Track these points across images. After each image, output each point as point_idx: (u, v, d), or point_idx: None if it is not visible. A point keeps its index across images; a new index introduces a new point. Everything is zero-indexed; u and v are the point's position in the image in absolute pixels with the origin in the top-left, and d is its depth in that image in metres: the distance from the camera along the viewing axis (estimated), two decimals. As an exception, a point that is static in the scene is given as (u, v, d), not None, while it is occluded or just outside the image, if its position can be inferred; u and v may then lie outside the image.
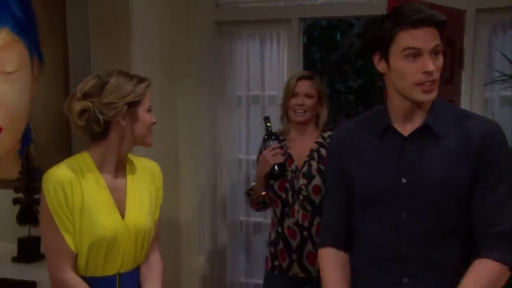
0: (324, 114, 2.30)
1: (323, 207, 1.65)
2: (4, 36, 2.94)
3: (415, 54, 1.32)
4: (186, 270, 3.08)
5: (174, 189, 2.97)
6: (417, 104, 1.37)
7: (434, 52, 1.33)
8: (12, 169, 2.85)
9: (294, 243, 2.26)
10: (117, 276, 1.65)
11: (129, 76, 1.62)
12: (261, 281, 2.48)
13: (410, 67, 1.32)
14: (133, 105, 1.61)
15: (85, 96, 1.56)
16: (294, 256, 2.27)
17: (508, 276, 1.36)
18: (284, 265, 2.30)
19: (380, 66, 1.40)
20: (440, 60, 1.35)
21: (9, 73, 2.87)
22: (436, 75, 1.33)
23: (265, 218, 2.87)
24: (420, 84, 1.32)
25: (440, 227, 1.37)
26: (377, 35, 1.39)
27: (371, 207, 1.46)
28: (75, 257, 1.59)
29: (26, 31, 2.94)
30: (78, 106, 1.55)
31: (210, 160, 2.99)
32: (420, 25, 1.31)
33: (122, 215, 1.65)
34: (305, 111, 2.26)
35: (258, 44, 2.92)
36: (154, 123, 1.70)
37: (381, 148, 1.44)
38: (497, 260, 1.33)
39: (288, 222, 2.27)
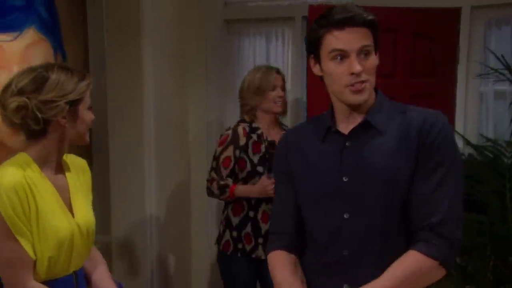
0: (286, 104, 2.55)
1: (271, 212, 1.62)
2: (31, 35, 3.12)
3: (342, 55, 1.29)
4: (196, 258, 3.23)
5: (184, 181, 3.11)
6: (352, 106, 1.34)
7: (363, 53, 1.29)
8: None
9: (265, 227, 2.38)
10: (73, 275, 1.60)
11: (70, 71, 1.52)
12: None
13: (337, 69, 1.30)
14: (74, 104, 1.50)
15: (22, 91, 1.43)
16: (260, 240, 2.40)
17: (441, 272, 1.30)
18: (248, 248, 2.42)
19: (315, 69, 1.38)
20: (372, 60, 1.31)
21: (35, 70, 3.09)
22: (366, 76, 1.30)
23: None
24: (349, 85, 1.29)
25: (383, 228, 1.31)
26: (308, 38, 1.37)
27: (314, 208, 1.41)
28: (34, 264, 1.48)
29: (51, 30, 3.10)
30: (13, 102, 1.43)
31: None
32: (343, 26, 1.28)
33: (71, 214, 1.57)
34: (282, 102, 2.44)
35: (264, 41, 3.06)
36: (93, 120, 1.62)
37: (323, 149, 1.40)
38: (423, 253, 1.27)
39: (265, 207, 2.39)
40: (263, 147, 2.41)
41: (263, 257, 2.38)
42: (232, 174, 2.42)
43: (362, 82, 1.30)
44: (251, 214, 2.42)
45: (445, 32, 2.63)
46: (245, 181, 2.41)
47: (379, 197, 1.31)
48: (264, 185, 2.33)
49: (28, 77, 1.45)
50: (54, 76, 1.46)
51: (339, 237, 1.35)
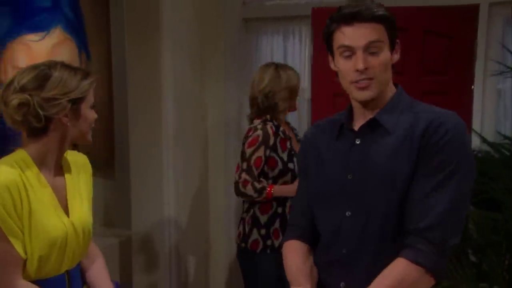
0: None
1: (291, 206, 1.65)
2: (58, 35, 3.21)
3: (349, 52, 1.28)
4: (213, 252, 3.28)
5: (202, 177, 3.16)
6: (362, 103, 1.33)
7: (371, 49, 1.27)
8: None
9: None
10: (66, 274, 1.58)
11: (73, 70, 1.50)
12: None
13: (345, 65, 1.30)
14: (76, 102, 1.49)
15: (24, 88, 1.42)
16: None
17: (430, 281, 1.24)
18: (277, 243, 2.43)
19: (332, 65, 1.38)
20: (381, 56, 1.28)
21: (61, 68, 3.20)
22: (373, 73, 1.28)
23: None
24: (354, 82, 1.29)
25: (381, 228, 1.28)
26: (323, 34, 1.37)
27: (321, 206, 1.41)
28: (24, 263, 1.46)
29: (76, 30, 3.16)
30: (15, 99, 1.41)
31: (236, 149, 3.09)
32: (351, 21, 1.27)
33: (67, 214, 1.56)
34: None
35: (281, 39, 3.10)
36: (95, 120, 1.60)
37: (336, 146, 1.39)
38: (410, 260, 1.22)
39: (290, 201, 2.40)
40: (288, 144, 2.44)
41: None
42: (262, 174, 2.43)
43: (368, 79, 1.28)
44: (279, 210, 2.44)
45: (463, 29, 2.62)
46: (276, 179, 2.43)
47: (378, 197, 1.28)
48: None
49: (30, 74, 1.43)
50: (56, 74, 1.44)
51: (339, 235, 1.35)
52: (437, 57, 2.64)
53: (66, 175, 1.59)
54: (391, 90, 1.35)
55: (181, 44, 2.90)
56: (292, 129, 2.61)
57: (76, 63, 3.17)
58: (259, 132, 2.39)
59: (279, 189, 2.40)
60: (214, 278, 3.28)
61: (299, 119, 3.06)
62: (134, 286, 3.03)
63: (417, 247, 1.23)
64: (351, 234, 1.32)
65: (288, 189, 2.40)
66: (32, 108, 1.41)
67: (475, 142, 2.56)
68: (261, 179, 2.41)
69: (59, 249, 1.51)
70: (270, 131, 2.39)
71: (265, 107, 2.44)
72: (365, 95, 1.30)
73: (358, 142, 1.34)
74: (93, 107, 1.56)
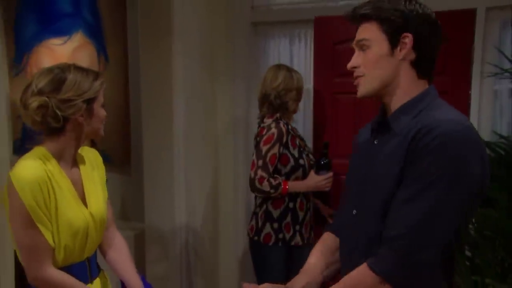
0: None
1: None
2: (79, 38, 3.41)
3: (354, 50, 1.33)
4: (223, 243, 3.35)
5: (212, 173, 3.25)
6: (381, 102, 1.34)
7: (360, 47, 1.30)
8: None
9: (301, 215, 2.57)
10: (87, 261, 1.69)
11: (85, 71, 1.59)
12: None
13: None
14: (90, 102, 1.58)
15: (41, 91, 1.51)
16: (297, 227, 2.56)
17: None
18: (288, 236, 2.55)
19: None
20: (370, 53, 1.29)
21: (82, 70, 3.36)
22: (363, 70, 1.30)
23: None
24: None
25: (375, 229, 1.25)
26: None
27: (345, 201, 1.44)
28: (53, 252, 1.57)
29: (95, 34, 3.37)
30: (35, 101, 1.50)
31: (245, 146, 3.25)
32: (352, 22, 1.32)
33: (85, 205, 1.65)
34: None
35: (288, 42, 3.16)
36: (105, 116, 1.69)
37: (362, 145, 1.41)
38: (369, 266, 1.22)
39: (301, 197, 2.59)
40: (297, 141, 2.58)
41: (300, 243, 2.56)
42: (275, 171, 2.54)
43: (358, 76, 1.31)
44: (291, 205, 2.56)
45: (461, 33, 2.69)
46: (288, 175, 2.55)
47: (375, 198, 1.26)
48: (316, 181, 2.53)
49: (47, 78, 1.52)
50: (71, 76, 1.53)
51: (346, 232, 1.38)
52: (438, 59, 2.73)
53: (81, 169, 1.69)
54: (411, 90, 1.29)
55: (192, 47, 2.99)
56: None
57: (95, 65, 3.33)
58: (274, 130, 2.50)
59: (293, 185, 2.53)
60: (224, 269, 3.36)
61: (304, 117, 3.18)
62: (147, 277, 3.09)
63: (380, 254, 1.21)
64: (354, 233, 1.33)
65: (301, 185, 2.55)
66: (50, 109, 1.51)
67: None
68: (276, 175, 2.53)
69: (81, 238, 1.61)
70: (284, 129, 2.51)
71: (278, 105, 2.56)
72: (359, 92, 1.33)
73: (376, 142, 1.34)
74: (103, 105, 1.65)
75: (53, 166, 1.57)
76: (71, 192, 1.61)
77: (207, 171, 3.22)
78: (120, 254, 1.80)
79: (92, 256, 1.72)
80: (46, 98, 1.50)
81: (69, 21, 3.45)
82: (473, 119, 2.70)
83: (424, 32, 1.28)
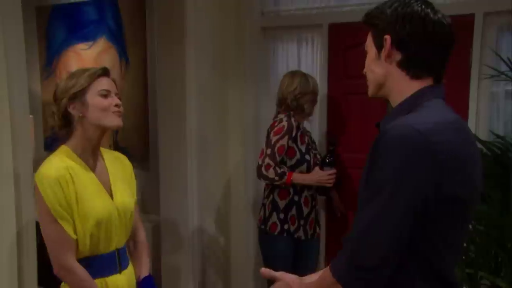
0: None
1: None
2: (102, 43, 3.65)
3: None
4: (234, 234, 3.43)
5: (224, 170, 3.35)
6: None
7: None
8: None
9: (306, 211, 2.70)
10: (116, 252, 1.77)
11: (80, 71, 1.72)
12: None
13: None
14: (78, 95, 1.67)
15: (54, 100, 1.73)
16: (302, 222, 2.69)
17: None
18: (292, 229, 2.68)
19: None
20: (367, 59, 1.33)
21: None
22: (366, 73, 1.33)
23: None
24: None
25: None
26: None
27: None
28: (77, 243, 1.66)
29: (117, 39, 3.58)
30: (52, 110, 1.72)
31: (255, 144, 3.33)
32: (358, 27, 1.38)
33: (111, 196, 1.74)
34: None
35: (295, 46, 3.26)
36: (117, 104, 1.71)
37: None
38: (329, 267, 1.24)
39: (307, 193, 2.74)
40: (306, 139, 2.73)
41: (303, 238, 2.70)
42: (281, 162, 2.69)
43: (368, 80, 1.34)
44: (296, 198, 2.70)
45: (460, 37, 2.76)
46: (293, 168, 2.70)
47: (357, 203, 1.25)
48: (319, 175, 2.67)
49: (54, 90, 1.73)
50: (63, 82, 1.71)
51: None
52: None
53: (108, 164, 1.80)
54: (403, 92, 1.27)
55: (204, 50, 3.09)
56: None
57: (117, 67, 3.54)
58: (285, 123, 2.67)
59: (298, 176, 2.67)
60: (235, 259, 3.45)
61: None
62: (162, 265, 3.28)
63: (337, 256, 1.23)
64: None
65: (305, 177, 2.69)
66: (56, 114, 1.71)
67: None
68: (282, 165, 2.68)
69: (105, 228, 1.69)
70: (294, 124, 2.68)
71: (294, 107, 2.72)
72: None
73: None
74: (104, 95, 1.69)
75: (75, 162, 1.68)
76: (94, 184, 1.70)
77: (219, 167, 3.33)
78: (138, 247, 1.93)
79: (122, 248, 1.80)
80: (53, 106, 1.71)
81: (94, 28, 3.69)
82: (471, 120, 2.78)
83: (403, 32, 1.23)
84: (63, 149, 1.71)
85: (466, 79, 2.78)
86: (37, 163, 1.66)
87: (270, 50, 3.37)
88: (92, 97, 1.68)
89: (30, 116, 3.50)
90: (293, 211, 2.72)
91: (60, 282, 1.76)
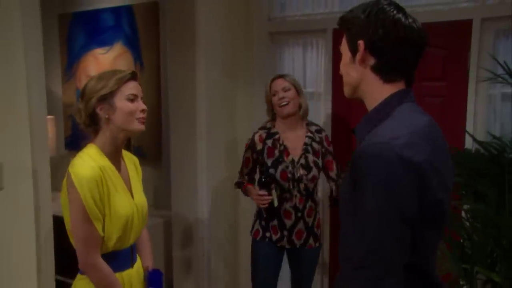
0: (304, 103, 2.67)
1: None
2: (118, 48, 3.82)
3: None
4: (243, 236, 3.47)
5: (232, 170, 3.35)
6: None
7: None
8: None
9: (289, 223, 2.63)
10: (130, 248, 1.82)
11: (108, 73, 1.74)
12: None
13: None
14: (107, 97, 1.69)
15: (80, 98, 1.75)
16: (285, 233, 2.64)
17: None
18: (275, 238, 2.64)
19: None
20: (341, 62, 1.36)
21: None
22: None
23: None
24: None
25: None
26: None
27: None
28: (103, 240, 1.69)
29: (132, 44, 3.74)
30: (78, 108, 1.74)
31: None
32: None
33: (132, 195, 1.79)
34: (288, 102, 2.59)
35: (301, 50, 3.35)
36: (143, 110, 1.74)
37: None
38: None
39: (286, 205, 2.61)
40: (276, 152, 2.63)
41: (286, 246, 2.65)
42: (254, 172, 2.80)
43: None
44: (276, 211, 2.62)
45: (458, 41, 2.85)
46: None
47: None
48: (252, 193, 2.66)
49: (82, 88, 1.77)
50: (91, 82, 1.73)
51: None
52: (435, 66, 2.91)
53: (128, 165, 1.87)
54: (376, 95, 1.29)
55: (214, 55, 3.18)
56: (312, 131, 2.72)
57: (132, 71, 3.72)
58: (252, 136, 2.77)
59: (249, 189, 2.72)
60: (243, 253, 3.50)
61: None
62: (173, 258, 3.41)
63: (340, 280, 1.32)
64: None
65: (251, 192, 2.69)
66: (83, 112, 1.73)
67: (468, 142, 2.82)
68: (246, 175, 2.80)
69: (128, 226, 1.74)
70: (257, 138, 2.72)
71: (270, 111, 2.77)
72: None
73: None
74: (132, 99, 1.72)
75: (104, 161, 1.71)
76: (120, 183, 1.74)
77: (227, 166, 3.41)
78: (141, 243, 1.98)
79: (134, 243, 1.86)
80: (79, 105, 1.73)
81: (112, 33, 3.87)
82: (469, 121, 2.85)
83: (376, 36, 1.24)
84: (92, 147, 1.74)
85: (465, 82, 2.86)
86: (58, 160, 1.70)
87: (277, 54, 3.47)
88: (120, 101, 1.71)
89: (51, 117, 3.73)
90: (275, 222, 2.66)
91: (75, 272, 1.81)
